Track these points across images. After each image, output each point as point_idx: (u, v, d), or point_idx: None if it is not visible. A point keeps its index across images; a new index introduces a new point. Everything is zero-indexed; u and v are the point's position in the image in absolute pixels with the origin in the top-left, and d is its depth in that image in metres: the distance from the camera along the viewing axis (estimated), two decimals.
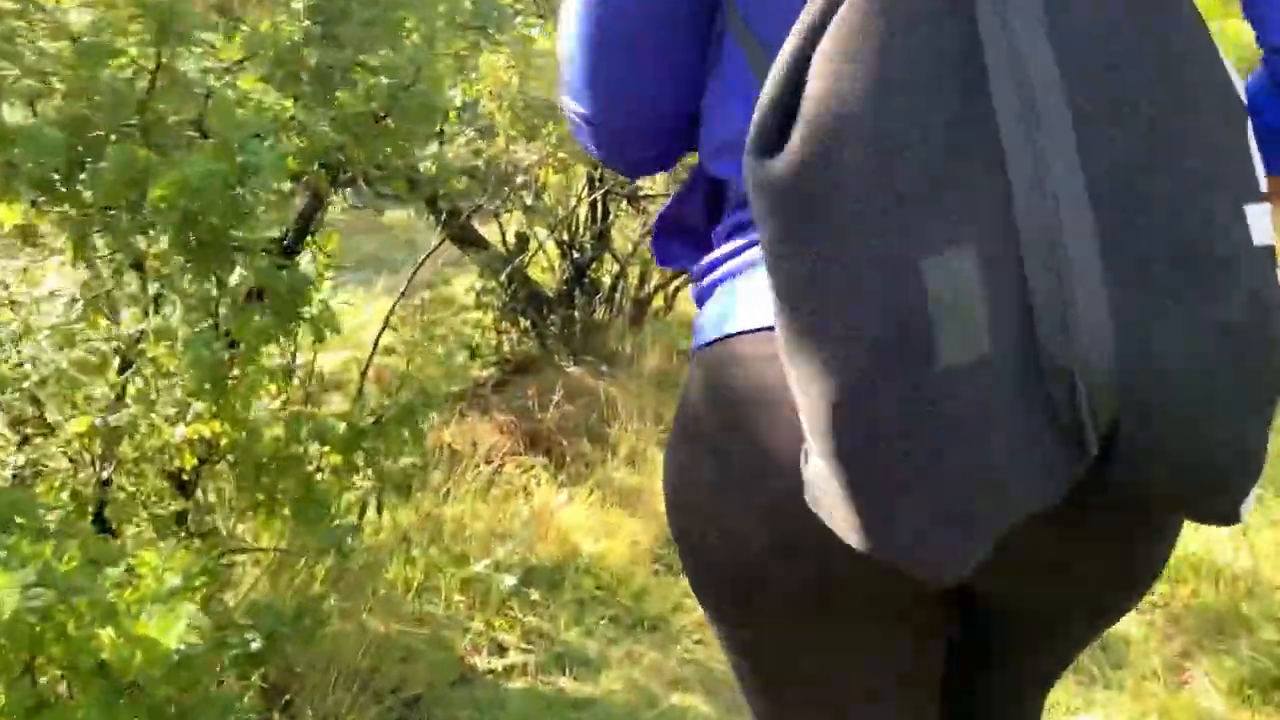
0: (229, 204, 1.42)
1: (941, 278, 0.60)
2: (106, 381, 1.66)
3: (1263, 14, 0.76)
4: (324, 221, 2.39)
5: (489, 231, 3.77)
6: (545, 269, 3.93)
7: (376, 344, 2.49)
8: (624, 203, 3.83)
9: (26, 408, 1.71)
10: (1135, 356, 0.61)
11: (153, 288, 1.64)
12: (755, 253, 0.78)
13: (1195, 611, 2.41)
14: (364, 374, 2.25)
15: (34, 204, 1.52)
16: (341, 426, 1.58)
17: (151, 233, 1.53)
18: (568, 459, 3.13)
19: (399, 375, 1.89)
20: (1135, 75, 0.64)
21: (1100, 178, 0.63)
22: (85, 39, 1.48)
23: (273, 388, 1.90)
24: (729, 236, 0.81)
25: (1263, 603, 2.27)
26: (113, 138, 1.46)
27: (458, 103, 2.62)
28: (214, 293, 1.58)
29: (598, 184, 3.63)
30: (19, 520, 1.24)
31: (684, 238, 0.88)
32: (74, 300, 1.63)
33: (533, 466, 3.03)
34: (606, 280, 3.96)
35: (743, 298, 0.78)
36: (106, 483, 1.71)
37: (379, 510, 1.99)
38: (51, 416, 1.70)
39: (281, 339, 1.64)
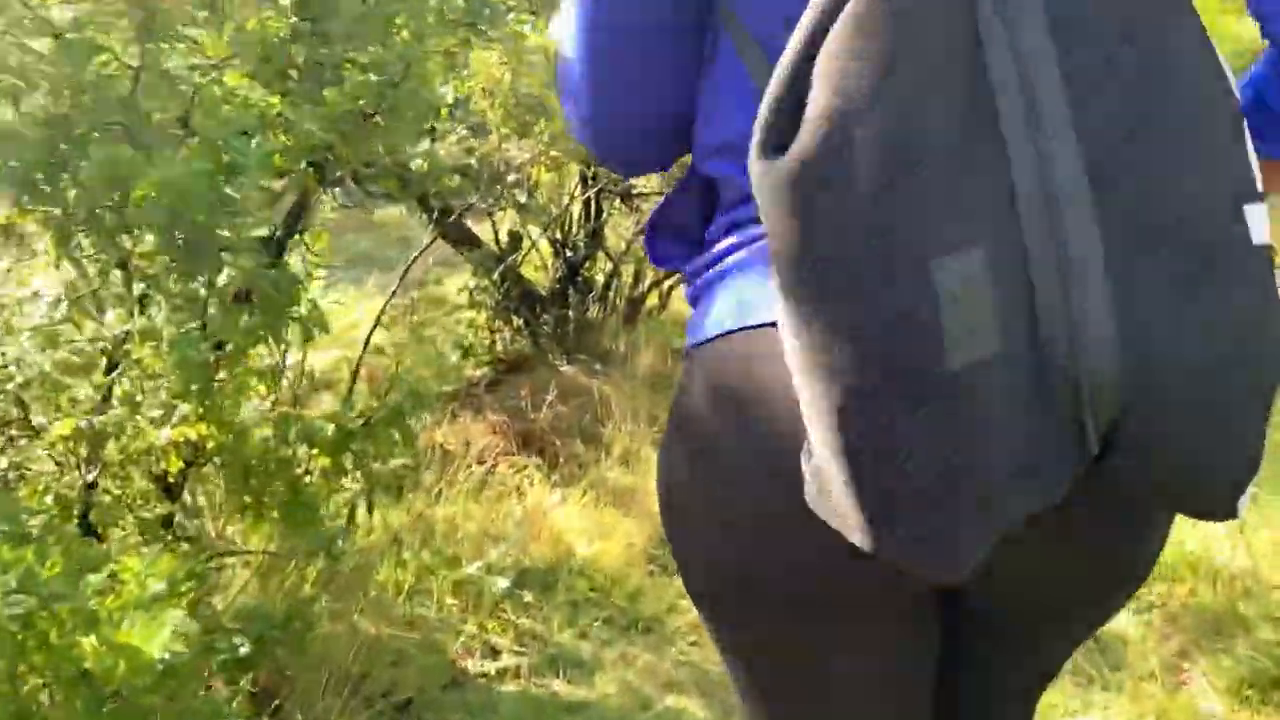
0: (215, 202, 1.40)
1: (951, 278, 0.60)
2: (91, 383, 1.63)
3: (1266, 10, 0.77)
4: (314, 220, 2.37)
5: (482, 230, 3.74)
6: (538, 267, 3.91)
7: (367, 343, 2.46)
8: (617, 201, 3.81)
9: (11, 409, 1.68)
10: (1138, 356, 0.62)
11: (138, 288, 1.62)
12: (749, 252, 0.78)
13: (1193, 611, 2.40)
14: (355, 374, 2.23)
15: (17, 203, 1.50)
16: (330, 428, 1.56)
17: (136, 232, 1.51)
18: (561, 459, 3.11)
19: (389, 376, 1.87)
20: (1137, 75, 0.65)
21: (1104, 179, 0.63)
22: (68, 35, 1.46)
23: (262, 388, 1.88)
24: (723, 235, 0.81)
25: (1260, 602, 2.25)
26: (96, 136, 1.44)
27: (449, 100, 2.60)
28: (201, 293, 1.56)
29: (591, 182, 3.61)
30: (1, 525, 1.22)
31: (677, 237, 0.88)
32: (58, 300, 1.61)
33: (526, 467, 3.01)
34: (600, 279, 3.94)
35: (737, 296, 0.78)
36: (92, 486, 1.68)
37: (369, 511, 1.96)
38: (36, 419, 1.68)
39: (270, 339, 1.62)
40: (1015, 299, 0.62)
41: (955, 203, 0.62)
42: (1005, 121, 0.63)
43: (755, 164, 0.64)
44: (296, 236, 1.94)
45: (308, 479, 1.62)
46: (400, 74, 1.46)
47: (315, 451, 1.58)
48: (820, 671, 0.81)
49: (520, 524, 2.67)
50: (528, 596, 2.44)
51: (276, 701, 1.89)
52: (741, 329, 0.76)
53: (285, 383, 2.13)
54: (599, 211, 3.85)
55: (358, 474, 1.69)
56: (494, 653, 2.25)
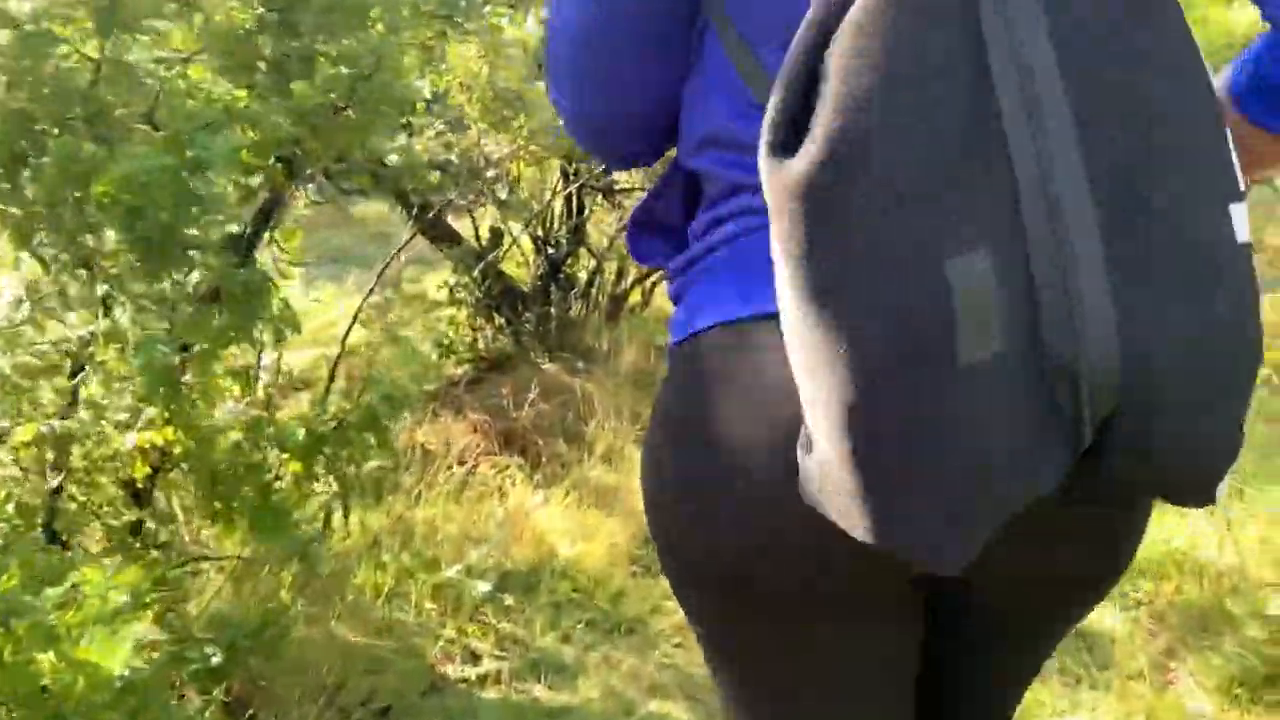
0: (180, 199, 1.35)
1: (964, 278, 0.62)
2: (54, 388, 1.58)
3: None
4: (286, 217, 2.32)
5: (462, 226, 3.70)
6: (520, 264, 3.87)
7: (344, 342, 2.41)
8: (599, 197, 3.77)
9: None
10: (1136, 354, 0.64)
11: (102, 288, 1.57)
12: (732, 248, 0.79)
13: (1179, 609, 2.38)
14: (331, 374, 2.18)
15: None
16: (301, 432, 1.52)
17: (100, 230, 1.47)
18: (543, 459, 3.07)
19: (363, 377, 1.82)
20: (1134, 76, 0.66)
21: (1101, 178, 0.65)
22: (27, 27, 1.41)
23: (236, 389, 1.84)
24: (706, 231, 0.81)
25: (1248, 600, 2.23)
26: (56, 131, 1.39)
27: (426, 94, 2.55)
28: (168, 293, 1.51)
29: (572, 178, 3.57)
30: None
31: (660, 233, 0.88)
32: (19, 301, 1.56)
33: (507, 467, 2.97)
34: (582, 276, 3.90)
35: (720, 291, 0.78)
36: (56, 492, 1.64)
37: (345, 516, 1.92)
38: None
39: (241, 340, 1.57)
40: (1018, 297, 0.63)
41: (965, 203, 0.63)
42: (1006, 121, 0.64)
43: (765, 163, 0.65)
44: (267, 234, 1.90)
45: (279, 484, 1.58)
46: (372, 66, 1.42)
47: (286, 456, 1.54)
48: (806, 667, 0.81)
49: (501, 525, 2.63)
50: (509, 599, 2.40)
51: (250, 711, 1.85)
52: (725, 323, 0.77)
53: (261, 383, 2.09)
54: (581, 207, 3.81)
55: (331, 478, 1.64)
56: (474, 657, 2.21)
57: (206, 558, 1.92)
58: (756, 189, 0.75)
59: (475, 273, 3.51)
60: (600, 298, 3.98)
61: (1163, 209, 0.65)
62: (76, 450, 1.61)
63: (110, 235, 1.44)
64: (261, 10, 1.47)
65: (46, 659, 1.08)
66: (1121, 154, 0.65)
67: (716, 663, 0.86)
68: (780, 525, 0.72)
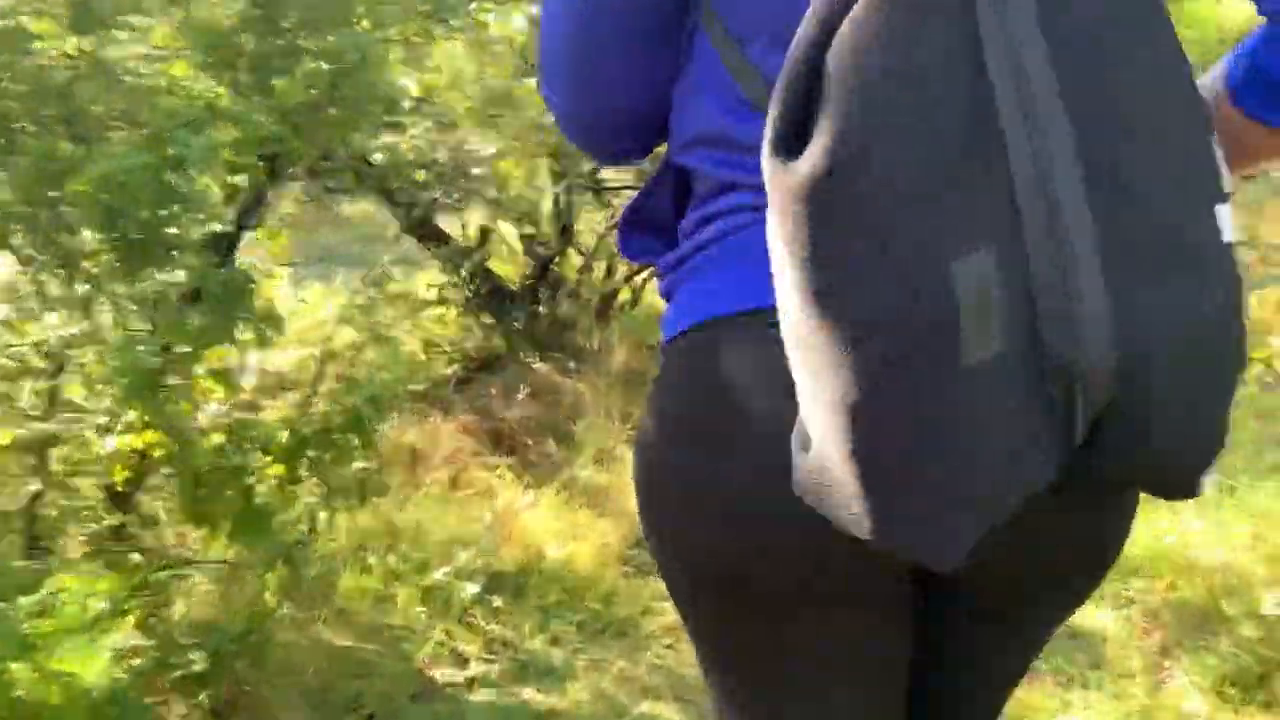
0: (159, 198, 1.33)
1: (969, 280, 0.62)
2: (33, 390, 1.56)
3: None
4: (275, 215, 2.30)
5: (450, 225, 3.67)
6: (509, 263, 3.84)
7: (330, 342, 2.38)
8: (588, 195, 3.75)
9: None
10: (1130, 352, 0.65)
11: (82, 288, 1.54)
12: (722, 245, 0.79)
13: (1173, 607, 2.37)
14: (316, 376, 2.16)
15: None
16: (284, 434, 1.49)
17: (82, 230, 1.44)
18: (533, 459, 3.04)
19: (346, 379, 1.80)
20: (1128, 76, 0.67)
21: (1097, 178, 0.66)
22: (1, 24, 1.38)
23: (220, 391, 1.81)
24: (696, 228, 0.82)
25: (1242, 598, 2.22)
26: (32, 129, 1.36)
27: (413, 92, 2.53)
28: (148, 294, 1.49)
29: (561, 176, 3.55)
30: None
31: (651, 231, 0.88)
32: None
33: (497, 467, 2.94)
34: (572, 274, 3.88)
35: (712, 287, 0.79)
36: (37, 496, 1.61)
37: (330, 519, 1.89)
38: None
39: (222, 341, 1.55)
40: (1018, 296, 0.64)
41: (967, 203, 0.63)
42: (1003, 121, 0.65)
43: (768, 163, 0.65)
44: (250, 233, 1.87)
45: (262, 487, 1.55)
46: (354, 63, 1.39)
47: (269, 459, 1.51)
48: (802, 665, 0.81)
49: (490, 527, 2.60)
50: (498, 601, 2.38)
51: (235, 717, 1.83)
52: (717, 318, 0.77)
53: (249, 384, 2.06)
54: (570, 206, 3.79)
55: (314, 482, 1.62)
56: (463, 661, 2.19)
57: (190, 561, 1.89)
58: (747, 186, 0.77)
59: (464, 272, 3.48)
60: (590, 296, 3.96)
61: (1155, 209, 0.67)
62: (56, 454, 1.58)
63: (89, 235, 1.41)
64: (243, 6, 1.44)
65: (21, 669, 1.05)
66: (1115, 154, 0.66)
67: (710, 662, 0.86)
68: (777, 523, 0.72)
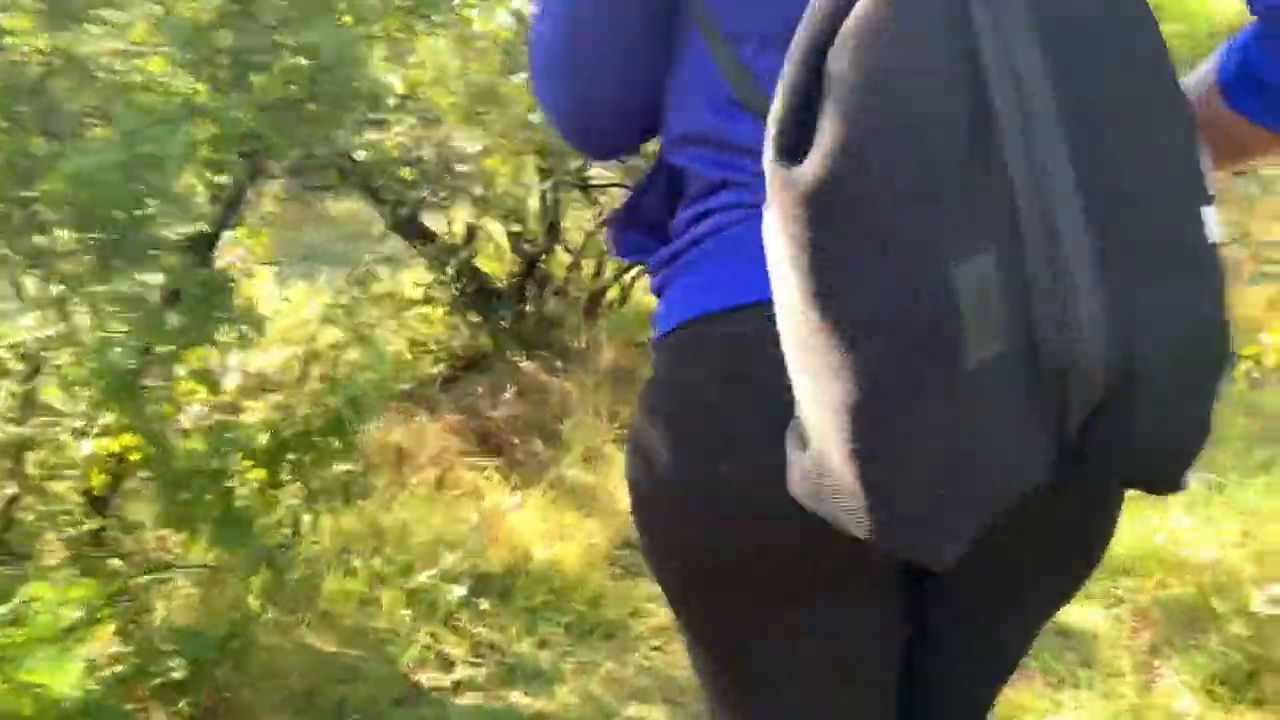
0: (135, 197, 1.30)
1: (970, 282, 0.63)
2: (10, 393, 1.53)
3: None
4: (258, 214, 2.27)
5: (437, 223, 3.64)
6: (496, 261, 3.81)
7: (313, 342, 2.35)
8: (575, 192, 3.73)
9: None
10: (1122, 352, 0.66)
11: (58, 289, 1.51)
12: (715, 240, 0.80)
13: (1163, 605, 2.36)
14: (300, 377, 2.13)
15: None
16: (264, 437, 1.46)
17: (56, 229, 1.41)
18: (520, 458, 3.02)
19: (328, 380, 1.77)
20: (1118, 77, 0.69)
21: (1090, 180, 0.67)
22: None
23: (203, 392, 1.78)
24: (688, 225, 0.82)
25: (1233, 596, 2.22)
26: (4, 125, 1.33)
27: (397, 89, 2.50)
28: (126, 294, 1.46)
29: (548, 173, 3.52)
30: None
31: (643, 230, 0.88)
32: None
33: (484, 468, 2.92)
34: (559, 272, 3.86)
35: (704, 282, 0.79)
36: (14, 500, 1.58)
37: (314, 522, 1.87)
38: None
39: (202, 342, 1.52)
40: (1016, 298, 0.65)
41: (968, 205, 0.64)
42: (1001, 121, 0.65)
43: (770, 166, 0.65)
44: (231, 232, 1.84)
45: (243, 491, 1.52)
46: (334, 58, 1.37)
47: (250, 463, 1.48)
48: (794, 659, 0.82)
49: (477, 528, 2.58)
50: (484, 604, 2.35)
51: None
52: (711, 313, 0.78)
53: (228, 384, 2.03)
54: (557, 203, 3.77)
55: (295, 486, 1.59)
56: (449, 664, 2.16)
57: (171, 565, 1.86)
58: (738, 184, 0.78)
59: (450, 270, 3.46)
60: (578, 294, 3.94)
61: (1147, 211, 0.68)
62: (32, 457, 1.55)
63: (63, 234, 1.38)
64: (221, 1, 1.41)
65: None
66: (1109, 156, 0.67)
67: (703, 661, 0.86)
68: (774, 520, 0.73)
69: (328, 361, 1.89)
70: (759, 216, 0.72)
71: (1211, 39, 0.86)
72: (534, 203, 3.70)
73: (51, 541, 1.60)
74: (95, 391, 1.32)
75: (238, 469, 1.52)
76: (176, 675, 1.51)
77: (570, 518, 2.77)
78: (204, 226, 1.57)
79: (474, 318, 3.66)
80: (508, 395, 3.26)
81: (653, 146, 0.90)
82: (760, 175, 0.71)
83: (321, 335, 2.25)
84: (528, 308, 3.70)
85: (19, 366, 1.58)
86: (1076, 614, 2.39)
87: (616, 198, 3.85)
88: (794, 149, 0.64)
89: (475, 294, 3.63)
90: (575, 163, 3.33)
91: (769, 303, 0.68)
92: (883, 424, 0.64)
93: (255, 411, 2.04)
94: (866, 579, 0.79)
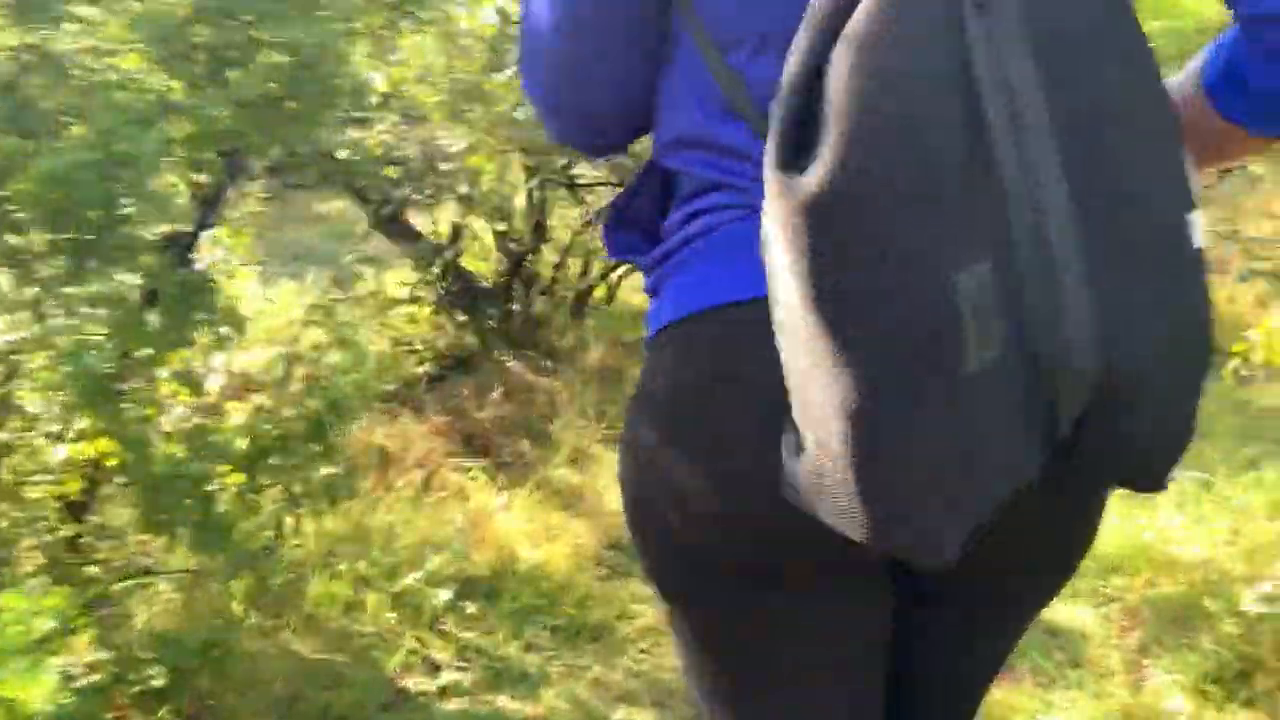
0: (110, 197, 1.27)
1: (970, 289, 0.64)
2: None
3: None
4: (241, 213, 2.24)
5: (422, 222, 3.61)
6: (482, 260, 3.78)
7: (296, 344, 2.32)
8: (562, 190, 3.70)
9: None
10: (1111, 356, 0.68)
11: (32, 290, 1.48)
12: (708, 240, 0.81)
13: (1152, 603, 2.35)
14: (284, 379, 2.10)
15: None
16: (243, 442, 1.44)
17: (30, 229, 1.38)
18: (506, 459, 2.99)
19: (308, 383, 1.74)
20: (1107, 84, 0.70)
21: (1081, 188, 0.68)
22: None
23: (185, 394, 1.75)
24: (681, 226, 0.83)
25: (1221, 594, 2.21)
26: None
27: (381, 86, 2.47)
28: (102, 295, 1.43)
29: (534, 171, 3.49)
30: None
31: (636, 230, 0.89)
32: None
33: (470, 469, 2.89)
34: (546, 271, 3.83)
35: (699, 280, 0.80)
36: None
37: (296, 526, 1.84)
38: None
39: (180, 345, 1.49)
40: (1013, 304, 0.66)
41: (967, 215, 0.65)
42: (995, 131, 0.67)
43: (771, 176, 0.66)
44: (211, 232, 1.81)
45: (224, 495, 1.50)
46: (314, 55, 1.34)
47: (229, 468, 1.46)
48: (786, 655, 0.83)
49: (463, 530, 2.55)
50: (471, 607, 2.33)
51: None
52: (705, 310, 0.78)
53: (211, 386, 2.00)
54: (544, 201, 3.74)
55: (275, 491, 1.57)
56: (435, 669, 2.14)
57: (151, 571, 1.83)
58: (730, 186, 0.79)
59: (435, 269, 3.43)
60: (565, 293, 3.91)
61: (1137, 219, 0.70)
62: (7, 462, 1.52)
63: (37, 235, 1.35)
64: None
65: None
66: (1099, 164, 0.69)
67: (697, 662, 0.86)
68: (770, 517, 0.73)
69: (309, 363, 1.86)
70: (751, 217, 0.73)
71: (1200, 35, 0.87)
72: (520, 201, 3.68)
73: (27, 548, 1.57)
74: (69, 395, 1.29)
75: (218, 473, 1.50)
76: (157, 683, 1.48)
77: (557, 519, 2.74)
78: (182, 226, 1.54)
79: (460, 317, 3.63)
80: (494, 395, 3.24)
81: (639, 146, 0.91)
82: (753, 178, 0.73)
83: (305, 336, 2.22)
84: (514, 307, 3.68)
85: None
86: (1066, 613, 2.38)
87: (604, 196, 3.83)
88: (794, 154, 0.66)
89: (461, 293, 3.60)
90: (561, 161, 3.30)
91: (762, 300, 0.69)
92: (881, 428, 0.65)
93: (238, 413, 2.02)
94: (858, 578, 0.81)
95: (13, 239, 1.39)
